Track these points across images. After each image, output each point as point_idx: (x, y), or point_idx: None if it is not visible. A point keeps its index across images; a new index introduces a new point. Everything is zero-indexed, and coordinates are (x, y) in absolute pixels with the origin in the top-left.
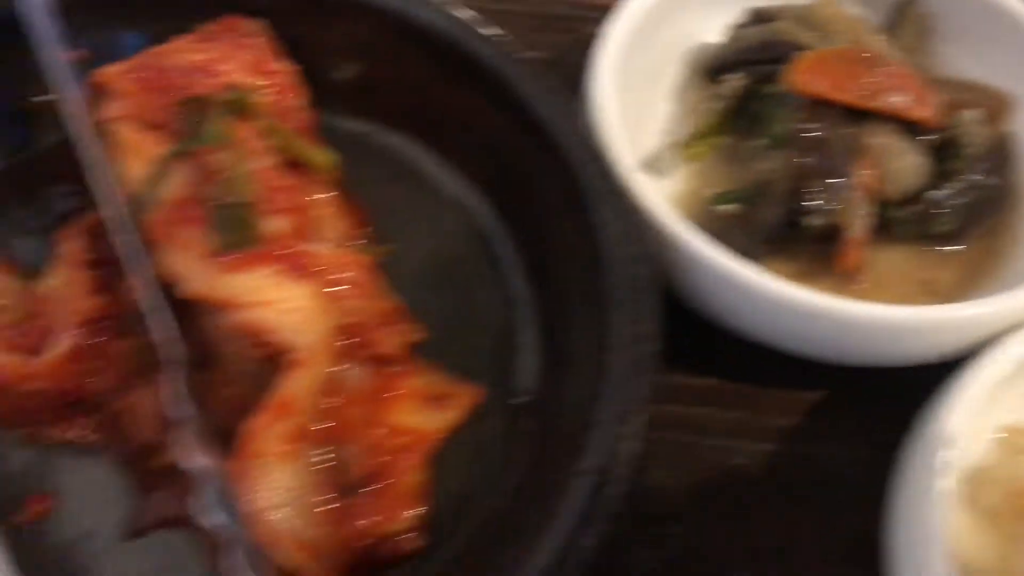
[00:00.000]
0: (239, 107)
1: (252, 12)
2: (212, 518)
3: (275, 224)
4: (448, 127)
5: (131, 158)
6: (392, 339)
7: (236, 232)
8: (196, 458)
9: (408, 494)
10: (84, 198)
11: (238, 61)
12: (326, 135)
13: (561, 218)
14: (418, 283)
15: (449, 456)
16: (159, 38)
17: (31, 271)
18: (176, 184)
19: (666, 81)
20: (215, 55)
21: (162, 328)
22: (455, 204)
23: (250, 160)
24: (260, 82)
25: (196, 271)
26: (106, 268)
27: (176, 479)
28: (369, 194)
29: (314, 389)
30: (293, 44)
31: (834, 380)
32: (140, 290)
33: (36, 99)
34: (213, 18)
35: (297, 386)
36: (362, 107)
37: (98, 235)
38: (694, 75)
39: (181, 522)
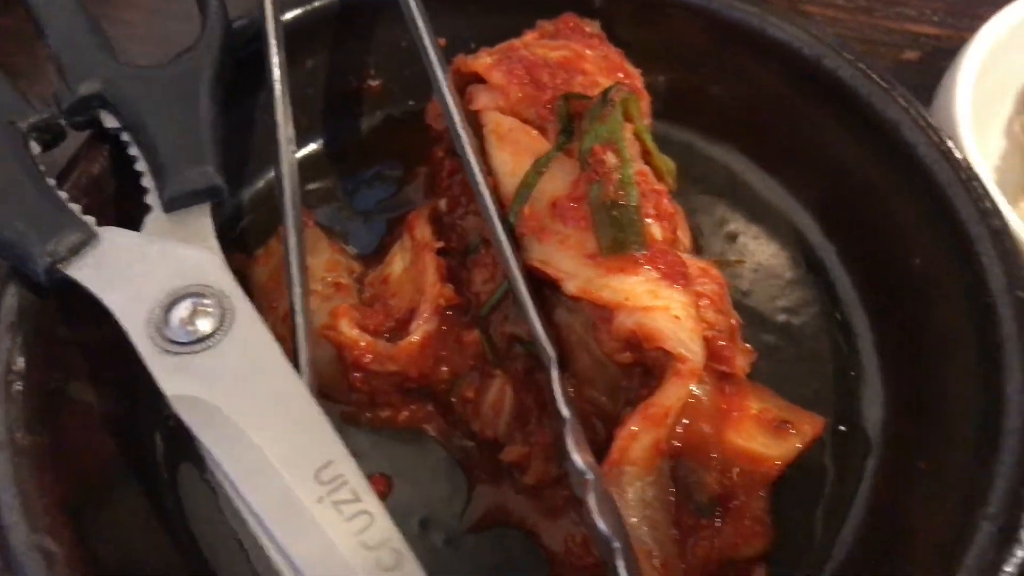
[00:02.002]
0: (626, 108)
1: (586, 12)
2: (599, 523)
3: (655, 228)
4: (780, 143)
5: (508, 150)
6: (741, 357)
7: (624, 234)
8: (582, 460)
9: (757, 520)
10: (407, 183)
11: (595, 62)
12: None
13: (919, 250)
14: (743, 302)
15: (786, 487)
16: (495, 29)
17: (359, 253)
18: (557, 180)
19: (996, 118)
20: (572, 54)
21: (537, 324)
22: (783, 222)
23: (635, 163)
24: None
25: (580, 270)
26: (450, 256)
27: (525, 477)
28: (692, 204)
29: (684, 402)
30: (618, 46)
31: None
32: (508, 282)
33: (369, 82)
34: (548, 15)
35: (675, 397)
36: (684, 115)
37: (441, 222)
38: None
39: (520, 521)
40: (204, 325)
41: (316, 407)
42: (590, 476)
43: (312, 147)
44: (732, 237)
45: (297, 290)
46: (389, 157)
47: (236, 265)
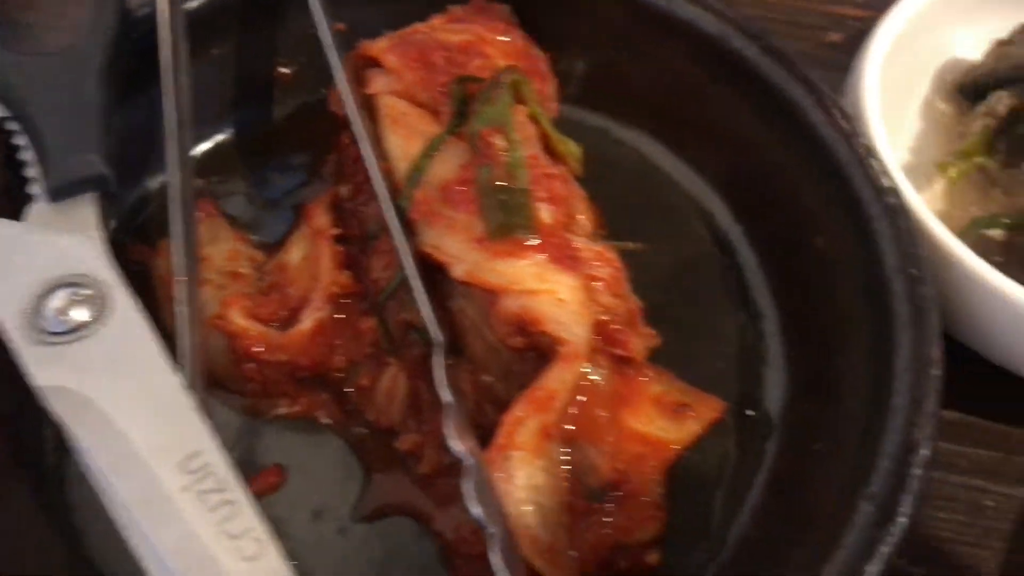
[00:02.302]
0: (518, 90)
1: None
2: (473, 509)
3: (545, 212)
4: (690, 125)
5: (400, 134)
6: (636, 341)
7: (511, 217)
8: (460, 446)
9: (650, 505)
10: (318, 171)
11: (498, 45)
12: (562, 127)
13: (822, 229)
14: (652, 286)
15: (686, 470)
16: (407, 16)
17: (264, 242)
18: (447, 164)
19: (915, 97)
20: (474, 37)
21: (425, 309)
22: (693, 205)
23: (525, 145)
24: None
25: (467, 254)
26: (351, 244)
27: (419, 466)
28: (604, 190)
29: (573, 386)
30: (533, 31)
31: None
32: (403, 269)
33: (281, 69)
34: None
35: (560, 381)
36: (599, 100)
37: (343, 210)
38: (949, 92)
39: (413, 510)
40: (80, 315)
41: (187, 398)
42: (468, 462)
43: (222, 136)
44: (641, 220)
45: (181, 278)
46: (301, 145)
47: (138, 256)
